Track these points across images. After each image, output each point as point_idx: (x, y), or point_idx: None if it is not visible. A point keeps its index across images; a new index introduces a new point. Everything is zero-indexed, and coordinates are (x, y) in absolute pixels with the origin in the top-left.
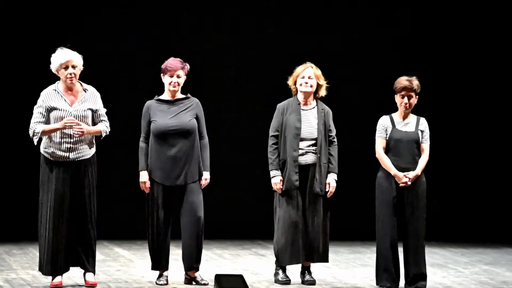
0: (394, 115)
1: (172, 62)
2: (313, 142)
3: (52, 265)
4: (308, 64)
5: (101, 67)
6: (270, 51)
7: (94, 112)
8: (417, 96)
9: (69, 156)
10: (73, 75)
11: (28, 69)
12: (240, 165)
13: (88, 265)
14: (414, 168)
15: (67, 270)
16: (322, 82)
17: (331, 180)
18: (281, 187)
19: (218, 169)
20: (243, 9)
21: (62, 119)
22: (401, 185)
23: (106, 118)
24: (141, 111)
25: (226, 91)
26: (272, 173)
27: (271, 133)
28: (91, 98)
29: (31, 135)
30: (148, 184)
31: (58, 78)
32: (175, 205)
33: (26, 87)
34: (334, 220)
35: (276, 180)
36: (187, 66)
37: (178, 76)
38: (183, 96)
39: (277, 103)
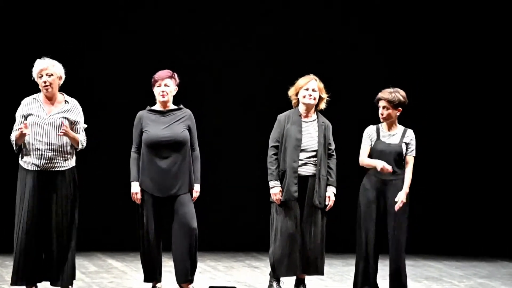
0: (381, 125)
1: (161, 72)
2: (313, 153)
3: (19, 277)
4: (312, 76)
5: (94, 76)
6: (268, 60)
7: (72, 124)
8: (399, 109)
9: (40, 163)
10: (47, 84)
11: (11, 80)
12: (234, 176)
13: (58, 281)
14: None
15: (35, 284)
16: (324, 95)
17: (331, 193)
18: (280, 197)
19: (211, 180)
20: (240, 17)
21: (37, 126)
22: (381, 170)
23: (84, 133)
24: (133, 121)
25: (223, 102)
26: (271, 183)
27: (271, 143)
28: (71, 110)
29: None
30: (139, 195)
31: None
32: (167, 216)
33: (8, 98)
34: (328, 232)
35: (276, 190)
36: (176, 76)
37: (166, 85)
38: (176, 107)
39: (276, 114)
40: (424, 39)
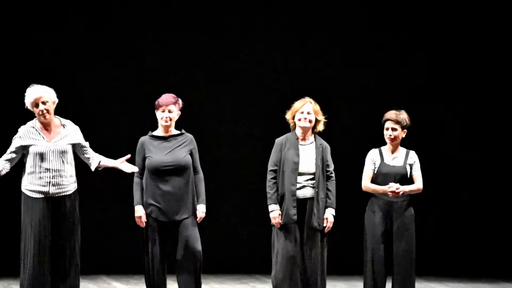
0: (383, 148)
1: (164, 97)
2: (311, 176)
3: None
4: (307, 99)
5: (97, 101)
6: (268, 84)
7: (75, 145)
8: (404, 130)
9: (49, 190)
10: (44, 111)
11: (9, 105)
12: (238, 199)
13: None
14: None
15: None
16: (321, 117)
17: (329, 215)
18: (280, 221)
19: (215, 203)
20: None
21: (42, 154)
22: (389, 193)
23: (90, 149)
24: (137, 145)
25: (223, 127)
26: (270, 207)
27: (269, 167)
28: (70, 133)
29: None
30: (144, 219)
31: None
32: (171, 240)
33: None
34: (331, 254)
35: (275, 214)
36: (180, 102)
37: (170, 111)
38: (177, 132)
39: (275, 137)
40: (426, 56)
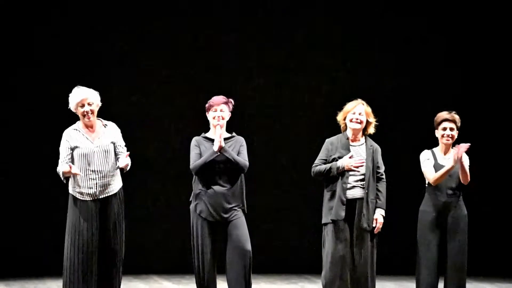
0: (435, 149)
1: (215, 98)
2: (361, 177)
3: None
4: (360, 100)
5: (144, 102)
6: (316, 87)
7: (114, 144)
8: (457, 131)
9: (96, 192)
10: (89, 112)
11: (53, 110)
12: (287, 199)
13: None
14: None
15: None
16: (372, 119)
17: (379, 216)
18: (351, 160)
19: (266, 203)
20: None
21: (87, 156)
22: (458, 153)
23: (125, 152)
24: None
25: (273, 127)
26: (332, 168)
27: (316, 162)
28: (111, 132)
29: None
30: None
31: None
32: (221, 239)
33: (51, 125)
34: (381, 254)
35: (343, 161)
36: (231, 102)
37: (222, 111)
38: (229, 135)
39: (324, 139)
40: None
